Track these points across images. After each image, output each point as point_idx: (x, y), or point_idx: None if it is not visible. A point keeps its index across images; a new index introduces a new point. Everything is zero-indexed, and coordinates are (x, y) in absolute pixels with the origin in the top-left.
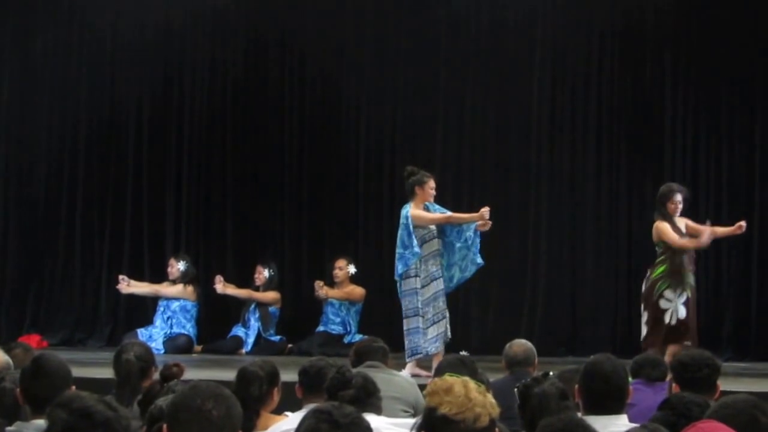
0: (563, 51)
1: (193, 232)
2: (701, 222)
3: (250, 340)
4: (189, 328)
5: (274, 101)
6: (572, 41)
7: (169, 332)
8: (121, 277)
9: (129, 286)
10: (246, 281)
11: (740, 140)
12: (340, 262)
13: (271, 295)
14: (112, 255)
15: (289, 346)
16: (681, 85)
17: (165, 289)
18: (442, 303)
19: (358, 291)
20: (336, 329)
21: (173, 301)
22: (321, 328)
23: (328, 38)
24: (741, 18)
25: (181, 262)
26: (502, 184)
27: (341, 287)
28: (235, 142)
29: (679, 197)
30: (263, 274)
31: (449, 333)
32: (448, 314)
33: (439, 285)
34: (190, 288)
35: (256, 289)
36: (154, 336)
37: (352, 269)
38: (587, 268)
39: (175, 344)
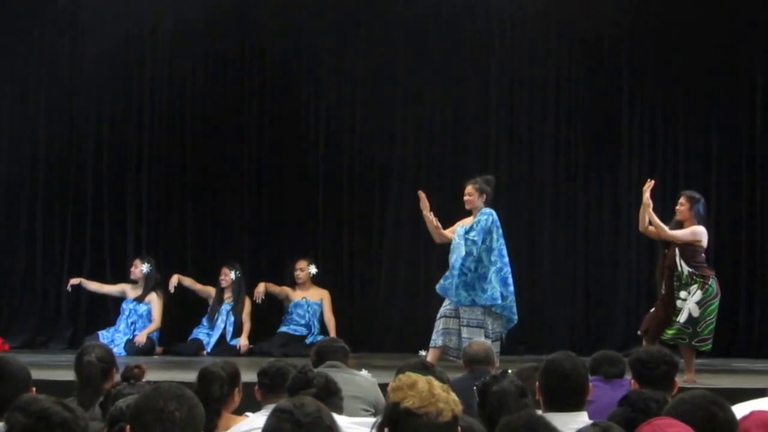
0: (520, 55)
1: (154, 234)
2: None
3: (213, 341)
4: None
5: (233, 104)
6: (529, 45)
7: (131, 336)
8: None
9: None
10: (209, 283)
11: (696, 142)
12: (301, 263)
13: (248, 309)
14: (72, 258)
15: (250, 346)
16: (637, 89)
17: (156, 323)
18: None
19: (327, 303)
20: (299, 330)
21: (140, 306)
22: (282, 328)
23: (287, 40)
24: (696, 19)
25: (146, 264)
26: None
27: (304, 288)
28: (194, 143)
29: (681, 199)
30: (229, 275)
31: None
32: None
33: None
34: (158, 299)
35: (221, 290)
36: (116, 340)
37: (313, 269)
38: (545, 268)
39: (135, 346)
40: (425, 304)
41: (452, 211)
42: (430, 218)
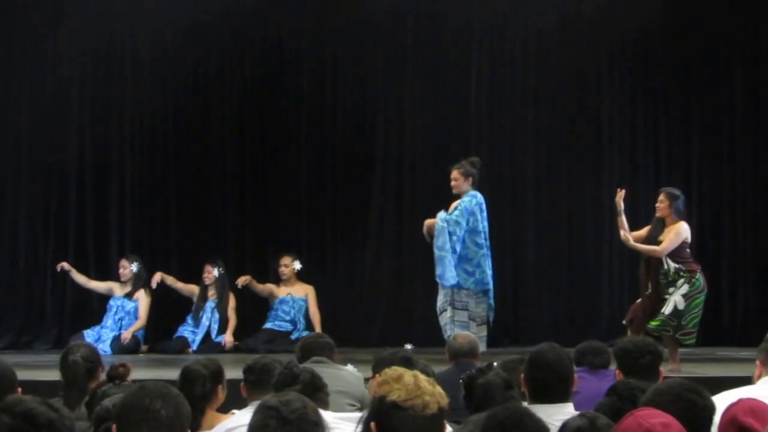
0: (501, 47)
1: (137, 231)
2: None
3: (198, 338)
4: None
5: (215, 102)
6: (509, 37)
7: (118, 333)
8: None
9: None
10: (193, 280)
11: (678, 134)
12: (285, 259)
13: (233, 304)
14: (56, 257)
15: (236, 343)
16: (617, 81)
17: (141, 321)
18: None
19: (312, 298)
20: (284, 326)
21: (128, 302)
22: (268, 324)
23: (267, 41)
24: (676, 9)
25: (134, 263)
26: (442, 181)
27: (289, 284)
28: (176, 141)
29: (660, 196)
30: (212, 273)
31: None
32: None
33: None
34: (146, 297)
35: (205, 288)
36: (103, 337)
37: (297, 265)
38: (528, 260)
39: (120, 345)
40: (410, 298)
41: (436, 206)
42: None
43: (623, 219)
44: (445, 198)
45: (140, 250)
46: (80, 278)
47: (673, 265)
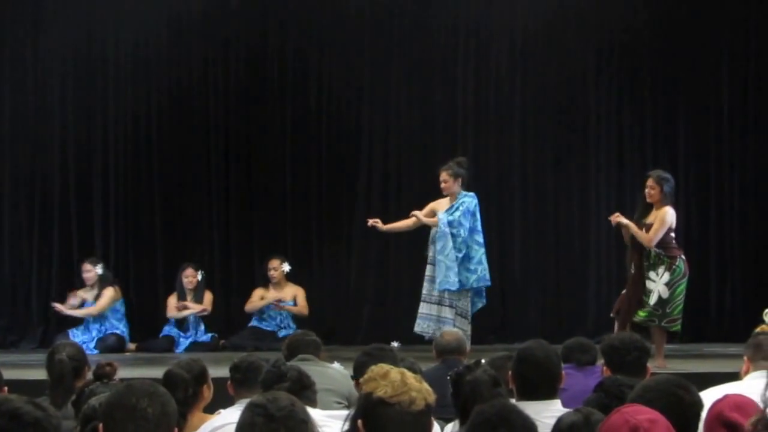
0: (487, 45)
1: (121, 234)
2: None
3: (187, 342)
4: (122, 327)
5: (199, 103)
6: (496, 36)
7: (102, 336)
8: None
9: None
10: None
11: (664, 128)
12: (274, 263)
13: (209, 298)
14: (41, 257)
15: (222, 342)
16: (604, 80)
17: (98, 307)
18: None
19: (302, 299)
20: (269, 326)
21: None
22: (253, 323)
23: (251, 42)
24: (662, 7)
25: (99, 265)
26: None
27: (279, 288)
28: (160, 144)
29: (649, 182)
30: (196, 277)
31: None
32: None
33: (427, 271)
34: (112, 290)
35: (184, 295)
36: (86, 340)
37: (286, 267)
38: (515, 257)
39: (106, 344)
40: (396, 296)
41: (422, 206)
42: (415, 220)
43: (628, 226)
44: (431, 198)
45: (125, 252)
46: (68, 311)
47: (654, 248)
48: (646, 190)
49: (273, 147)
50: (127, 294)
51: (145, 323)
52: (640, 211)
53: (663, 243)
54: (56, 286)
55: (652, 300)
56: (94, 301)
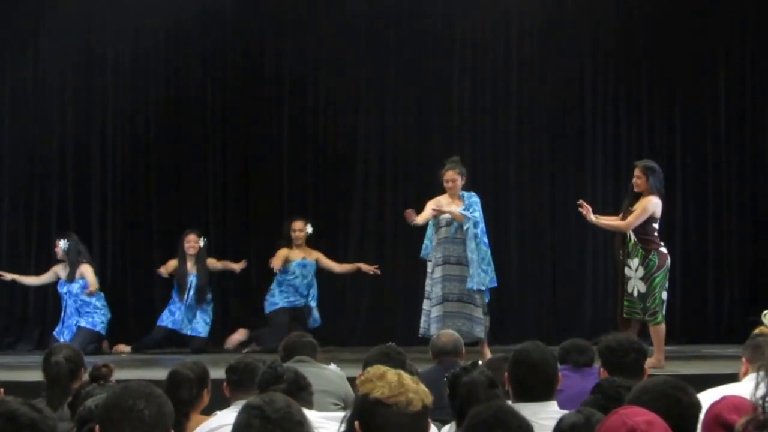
0: (483, 46)
1: (120, 235)
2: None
3: (200, 327)
4: (97, 319)
5: (197, 103)
6: (491, 36)
7: (79, 325)
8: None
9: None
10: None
11: (661, 132)
12: (298, 224)
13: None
14: (39, 257)
15: (242, 341)
16: (600, 80)
17: (93, 285)
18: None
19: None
20: (297, 300)
21: (74, 284)
22: (276, 298)
23: (249, 42)
24: (659, 5)
25: (63, 240)
26: (424, 180)
27: (302, 248)
28: (158, 144)
29: (636, 171)
30: (198, 243)
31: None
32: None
33: (445, 270)
34: (89, 266)
35: (185, 262)
36: (65, 331)
37: (309, 229)
38: (512, 257)
39: (84, 335)
40: (393, 297)
41: (418, 205)
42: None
43: (597, 219)
44: (428, 197)
45: (122, 254)
46: (28, 280)
47: (633, 237)
48: (633, 180)
49: (270, 150)
50: (125, 296)
51: (143, 325)
52: (630, 200)
53: (643, 231)
54: (52, 288)
55: (634, 293)
56: (67, 279)
